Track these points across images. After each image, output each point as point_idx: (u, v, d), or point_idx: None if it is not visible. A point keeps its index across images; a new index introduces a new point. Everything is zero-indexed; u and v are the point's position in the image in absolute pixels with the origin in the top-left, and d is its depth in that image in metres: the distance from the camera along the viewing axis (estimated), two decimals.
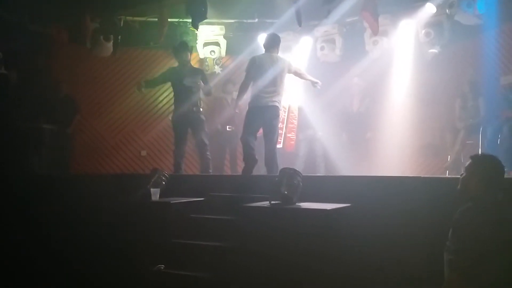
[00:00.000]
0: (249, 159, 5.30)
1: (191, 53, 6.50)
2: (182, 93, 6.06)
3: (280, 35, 5.88)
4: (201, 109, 6.18)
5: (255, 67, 5.42)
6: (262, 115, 5.37)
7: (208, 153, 6.06)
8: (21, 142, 6.07)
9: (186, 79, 6.00)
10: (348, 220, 3.65)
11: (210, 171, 6.02)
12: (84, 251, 4.32)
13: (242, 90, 5.53)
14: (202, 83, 6.08)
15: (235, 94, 7.27)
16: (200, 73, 6.28)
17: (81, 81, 7.78)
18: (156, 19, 7.39)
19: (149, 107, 8.28)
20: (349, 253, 3.52)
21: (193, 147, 6.41)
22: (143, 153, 8.20)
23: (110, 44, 7.33)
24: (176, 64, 6.45)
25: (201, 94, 6.17)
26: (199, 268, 3.77)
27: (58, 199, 4.98)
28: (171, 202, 4.32)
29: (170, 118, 6.39)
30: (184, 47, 6.28)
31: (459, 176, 2.79)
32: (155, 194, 4.42)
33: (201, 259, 3.85)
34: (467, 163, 2.78)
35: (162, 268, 3.89)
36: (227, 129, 7.46)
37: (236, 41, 8.03)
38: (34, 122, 6.56)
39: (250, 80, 5.46)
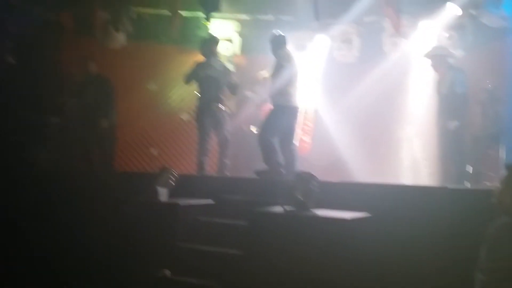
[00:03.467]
0: (275, 161, 5.07)
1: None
2: (207, 87, 5.81)
3: (296, 33, 5.72)
4: (224, 106, 5.92)
5: (293, 63, 5.30)
6: (287, 115, 5.22)
7: (227, 153, 5.81)
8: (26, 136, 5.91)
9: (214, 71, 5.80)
10: (367, 232, 3.42)
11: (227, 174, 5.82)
12: (87, 250, 4.14)
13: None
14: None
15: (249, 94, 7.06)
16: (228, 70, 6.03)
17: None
18: (169, 13, 7.18)
19: (160, 104, 7.98)
20: (366, 267, 3.29)
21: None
22: (154, 151, 7.91)
23: (120, 35, 7.10)
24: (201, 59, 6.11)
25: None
26: (205, 275, 3.56)
27: (62, 197, 4.80)
28: (179, 203, 4.11)
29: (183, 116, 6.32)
30: (213, 40, 6.11)
31: (492, 188, 2.58)
32: (163, 194, 4.22)
33: (208, 266, 3.63)
34: (503, 174, 2.54)
35: (168, 274, 3.67)
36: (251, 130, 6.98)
37: (250, 39, 7.76)
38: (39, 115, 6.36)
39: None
